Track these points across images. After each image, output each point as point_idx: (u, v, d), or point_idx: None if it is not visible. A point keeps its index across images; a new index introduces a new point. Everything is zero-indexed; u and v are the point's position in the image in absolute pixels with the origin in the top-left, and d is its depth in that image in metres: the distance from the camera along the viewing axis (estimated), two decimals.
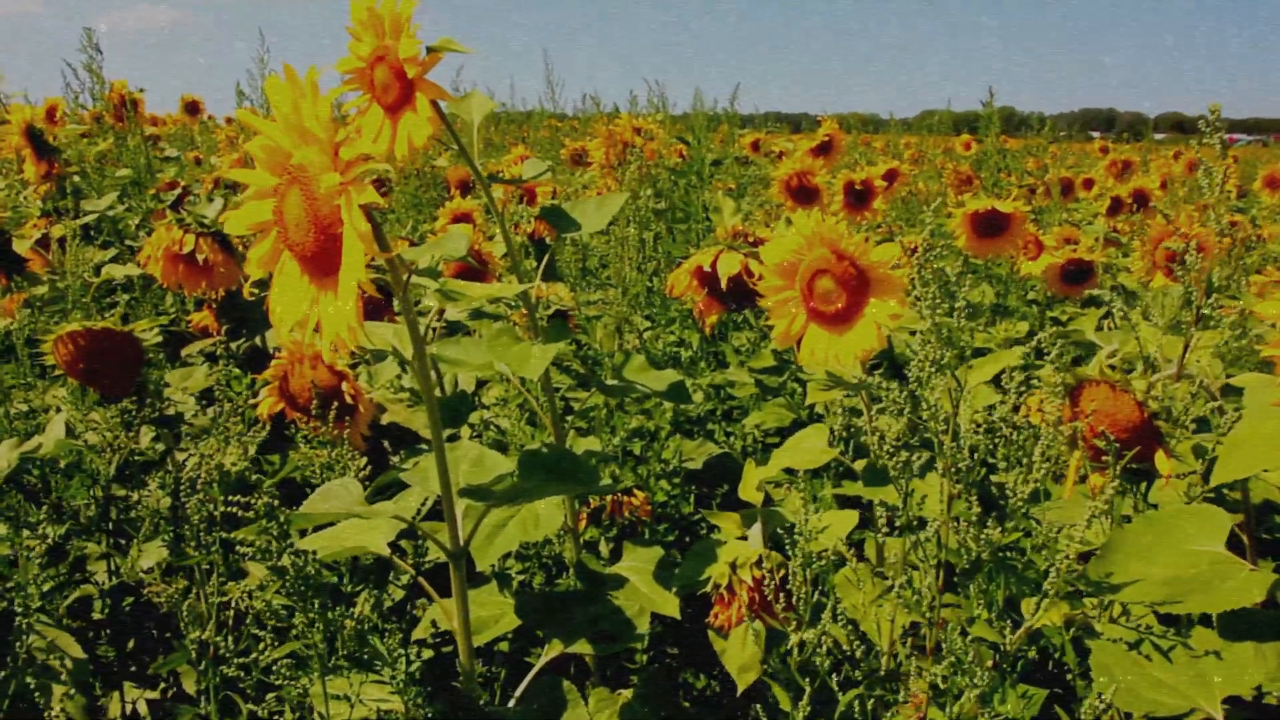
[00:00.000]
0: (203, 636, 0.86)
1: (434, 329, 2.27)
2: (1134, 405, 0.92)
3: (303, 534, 1.23)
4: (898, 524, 0.78)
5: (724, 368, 2.65)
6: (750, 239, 2.17)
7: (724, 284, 1.63)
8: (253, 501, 0.80)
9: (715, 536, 1.40)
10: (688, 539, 2.14)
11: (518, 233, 2.69)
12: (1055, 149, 7.44)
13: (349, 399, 1.55)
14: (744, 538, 1.36)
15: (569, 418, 2.00)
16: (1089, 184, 5.51)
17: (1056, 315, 3.34)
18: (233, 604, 0.98)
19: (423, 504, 1.29)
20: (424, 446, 1.68)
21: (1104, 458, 0.80)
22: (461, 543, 0.98)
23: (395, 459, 1.98)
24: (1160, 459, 0.93)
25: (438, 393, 2.04)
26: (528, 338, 1.37)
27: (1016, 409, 1.28)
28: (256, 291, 0.90)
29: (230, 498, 0.84)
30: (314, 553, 0.88)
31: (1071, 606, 1.07)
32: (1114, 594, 0.76)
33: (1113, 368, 1.02)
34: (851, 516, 1.34)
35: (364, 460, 1.40)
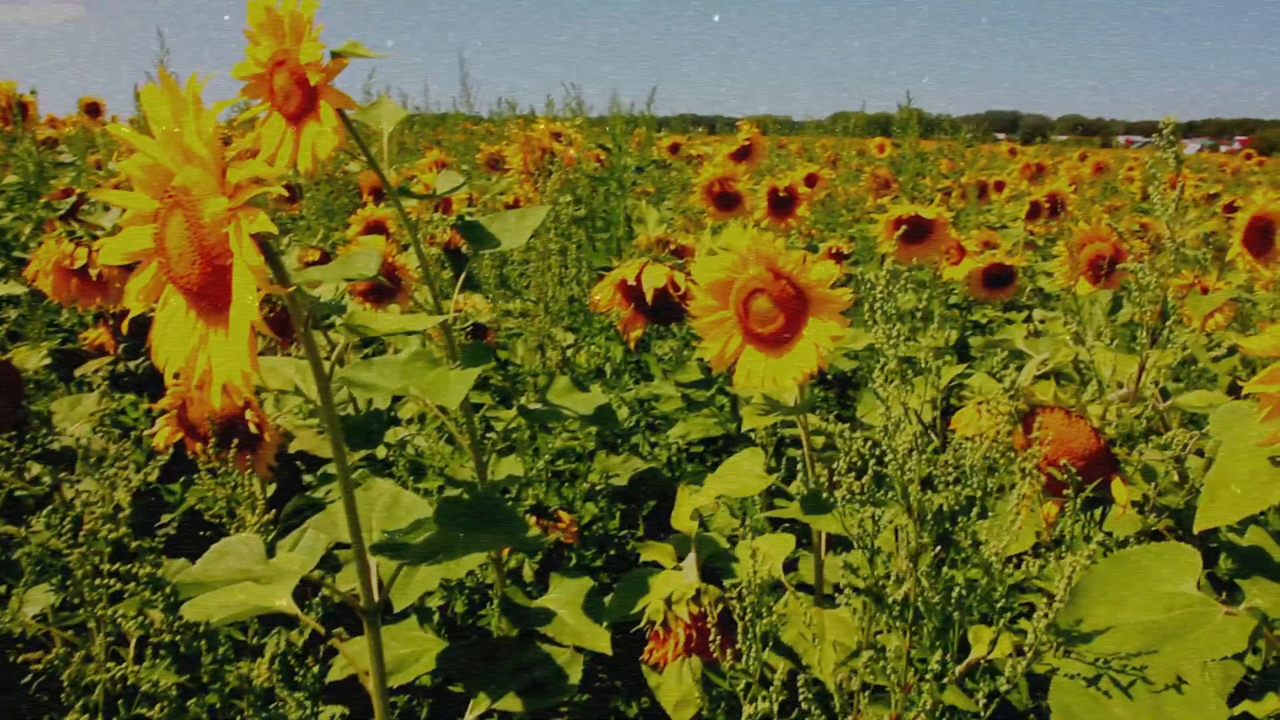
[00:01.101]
0: None
1: (348, 344, 2.17)
2: (1090, 432, 0.88)
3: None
4: (861, 589, 0.72)
5: (648, 379, 2.59)
6: (673, 247, 2.11)
7: (649, 298, 1.56)
8: (134, 570, 0.71)
9: (645, 563, 1.34)
10: (613, 553, 2.08)
11: (433, 244, 2.60)
12: (968, 151, 7.57)
13: (253, 428, 1.44)
14: (678, 568, 1.30)
15: (490, 435, 1.91)
16: (1000, 186, 5.60)
17: (978, 319, 3.36)
18: (123, 671, 0.88)
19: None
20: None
21: (1065, 491, 0.76)
22: (376, 599, 0.90)
23: (310, 478, 1.87)
24: (1117, 487, 0.89)
25: (351, 410, 1.94)
26: (445, 356, 1.28)
27: (948, 414, 1.25)
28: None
29: (111, 567, 0.75)
30: (206, 623, 0.79)
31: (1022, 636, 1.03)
32: (1087, 644, 0.72)
33: (1064, 377, 0.98)
34: (788, 541, 1.29)
35: (272, 488, 1.29)
